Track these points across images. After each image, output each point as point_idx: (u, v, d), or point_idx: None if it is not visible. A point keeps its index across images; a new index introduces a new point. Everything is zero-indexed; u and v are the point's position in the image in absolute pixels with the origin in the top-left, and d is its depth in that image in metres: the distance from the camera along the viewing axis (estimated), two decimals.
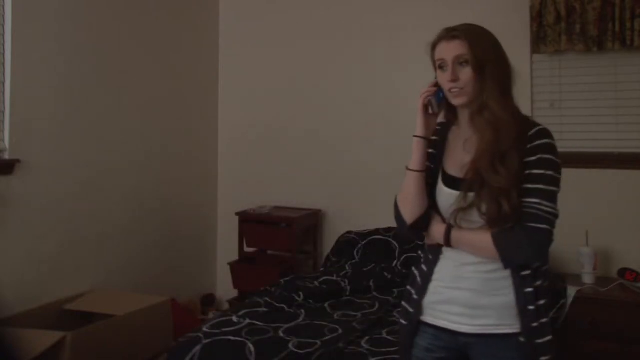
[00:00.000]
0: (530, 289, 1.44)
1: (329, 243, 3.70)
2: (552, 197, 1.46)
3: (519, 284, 1.45)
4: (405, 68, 3.66)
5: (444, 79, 1.53)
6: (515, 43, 3.35)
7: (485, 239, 1.43)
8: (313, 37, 3.89)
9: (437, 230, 1.54)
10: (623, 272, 3.01)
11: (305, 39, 3.91)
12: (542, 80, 3.34)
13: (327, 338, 2.20)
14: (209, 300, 3.94)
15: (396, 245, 3.31)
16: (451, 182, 1.53)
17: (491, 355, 1.48)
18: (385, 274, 3.09)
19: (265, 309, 2.55)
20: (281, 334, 2.26)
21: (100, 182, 3.21)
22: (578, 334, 2.85)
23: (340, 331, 2.28)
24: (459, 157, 1.54)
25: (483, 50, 1.48)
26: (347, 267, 3.24)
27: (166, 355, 2.42)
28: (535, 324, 1.43)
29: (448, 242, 1.51)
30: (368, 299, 2.74)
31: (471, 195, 1.45)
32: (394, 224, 3.71)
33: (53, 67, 2.97)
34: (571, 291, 2.92)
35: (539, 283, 1.46)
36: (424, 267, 1.60)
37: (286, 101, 3.96)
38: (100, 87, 3.22)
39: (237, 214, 3.72)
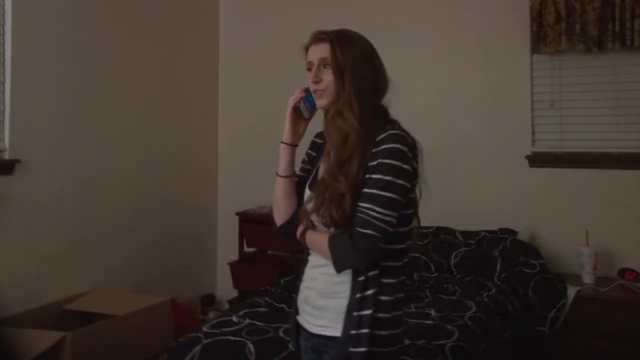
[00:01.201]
0: (359, 295, 1.42)
1: None
2: (386, 203, 1.38)
3: (352, 289, 1.43)
4: (405, 68, 3.66)
5: (309, 80, 1.55)
6: (515, 43, 3.37)
7: (324, 241, 1.44)
8: None
9: (298, 231, 1.57)
10: (623, 272, 3.01)
11: (305, 39, 3.91)
12: (542, 80, 3.34)
13: None
14: (209, 300, 3.94)
15: None
16: (313, 185, 1.56)
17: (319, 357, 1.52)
18: None
19: (265, 309, 2.54)
20: (281, 334, 2.26)
21: (100, 182, 3.21)
22: (578, 334, 2.85)
23: None
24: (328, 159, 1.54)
25: (345, 55, 1.49)
26: None
27: (166, 355, 2.42)
28: (353, 332, 1.40)
29: (304, 243, 1.55)
30: None
31: (311, 196, 1.50)
32: None
33: (53, 67, 2.97)
34: (571, 291, 2.92)
35: (369, 292, 1.42)
36: (303, 268, 1.63)
37: (286, 101, 3.95)
38: (100, 87, 3.22)
39: (237, 214, 3.72)
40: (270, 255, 3.75)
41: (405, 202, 1.44)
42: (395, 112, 4.00)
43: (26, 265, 2.79)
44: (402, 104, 4.10)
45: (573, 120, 3.28)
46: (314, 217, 1.49)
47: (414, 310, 2.55)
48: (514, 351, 2.61)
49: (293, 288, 2.79)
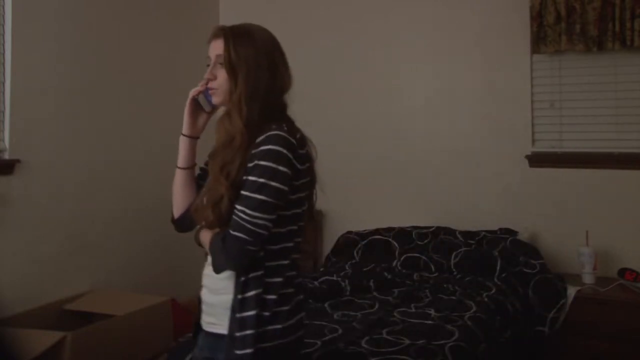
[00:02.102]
0: (240, 296, 1.40)
1: (329, 243, 3.70)
2: (258, 206, 1.36)
3: (234, 289, 1.42)
4: (405, 68, 3.66)
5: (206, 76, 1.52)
6: (515, 43, 3.37)
7: (206, 240, 1.47)
8: (312, 37, 3.89)
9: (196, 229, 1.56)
10: (623, 272, 3.01)
11: (305, 39, 3.91)
12: (542, 80, 3.34)
13: (327, 338, 2.20)
14: None
15: (396, 245, 3.31)
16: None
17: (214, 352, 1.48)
18: (385, 274, 3.09)
19: None
20: None
21: (100, 182, 3.21)
22: (578, 334, 2.85)
23: (340, 331, 2.27)
24: None
25: (239, 54, 1.45)
26: (347, 267, 3.24)
27: (166, 355, 2.42)
28: (237, 334, 1.39)
29: (198, 240, 1.53)
30: (368, 299, 2.74)
31: (200, 194, 1.50)
32: (393, 224, 3.73)
33: (53, 67, 2.97)
34: (571, 291, 2.92)
35: (251, 293, 1.40)
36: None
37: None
38: (100, 87, 3.22)
39: None
40: None
41: (283, 204, 1.41)
42: (395, 112, 4.00)
43: (26, 265, 2.79)
44: (402, 104, 4.11)
45: (573, 120, 3.28)
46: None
47: (414, 310, 2.55)
48: (514, 351, 2.61)
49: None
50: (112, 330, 2.64)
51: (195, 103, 1.58)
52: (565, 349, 2.88)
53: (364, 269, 3.17)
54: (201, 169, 1.66)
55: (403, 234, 3.35)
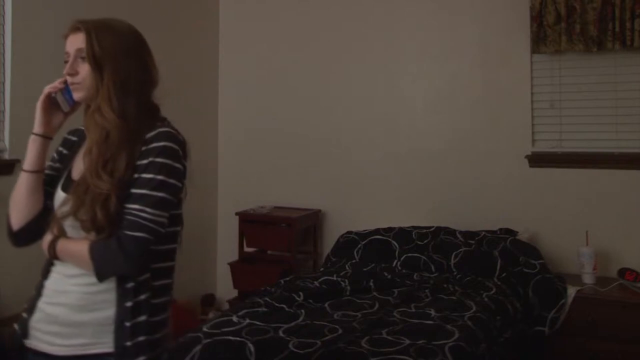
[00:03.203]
0: (130, 303, 1.33)
1: (329, 243, 3.70)
2: (157, 204, 1.32)
3: (119, 297, 1.33)
4: (405, 68, 3.66)
5: (65, 72, 1.44)
6: (515, 43, 3.37)
7: (83, 249, 1.31)
8: (313, 37, 3.89)
9: (45, 240, 1.39)
10: (623, 272, 3.01)
11: (306, 39, 3.91)
12: (542, 80, 3.34)
13: (327, 338, 2.20)
14: (209, 300, 3.94)
15: (396, 245, 3.31)
16: (67, 186, 1.41)
17: None
18: (385, 274, 3.09)
19: (265, 309, 2.54)
20: (281, 334, 2.26)
21: None
22: (578, 334, 2.85)
23: (340, 331, 2.27)
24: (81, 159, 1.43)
25: (103, 47, 1.40)
26: (347, 267, 3.24)
27: (166, 355, 2.42)
28: (128, 343, 1.31)
29: (54, 253, 1.37)
30: (368, 299, 2.74)
31: (66, 199, 1.36)
32: (394, 224, 3.73)
33: (53, 67, 2.96)
34: (571, 291, 2.92)
35: (142, 297, 1.35)
36: (40, 281, 1.45)
37: (286, 102, 3.96)
38: None
39: (237, 214, 3.72)
40: (270, 255, 3.75)
41: (176, 202, 1.40)
42: (395, 112, 4.00)
43: (26, 265, 2.79)
44: (402, 103, 4.11)
45: (573, 120, 3.28)
46: (68, 222, 1.35)
47: (414, 310, 2.55)
48: (514, 351, 2.61)
49: (293, 288, 2.82)
50: None
51: (51, 100, 1.48)
52: (565, 349, 2.88)
53: (364, 269, 3.17)
54: (47, 174, 1.49)
55: (403, 234, 3.35)
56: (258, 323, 2.37)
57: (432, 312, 2.49)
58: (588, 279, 3.02)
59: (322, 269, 3.37)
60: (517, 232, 3.24)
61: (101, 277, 1.32)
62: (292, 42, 3.96)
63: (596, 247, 3.04)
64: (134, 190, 1.32)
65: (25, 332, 1.41)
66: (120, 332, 1.32)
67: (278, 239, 3.60)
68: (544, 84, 3.34)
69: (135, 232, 1.30)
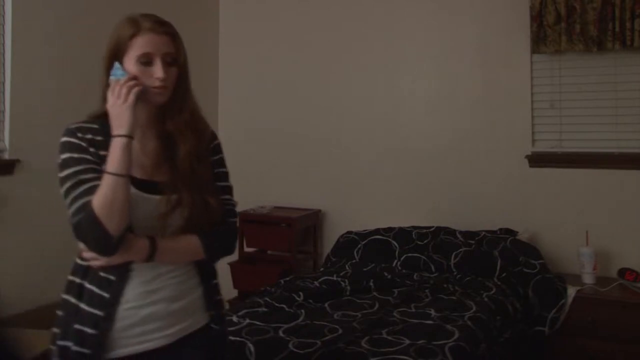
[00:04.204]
0: (215, 281, 1.56)
1: (329, 243, 3.70)
2: (232, 193, 1.59)
3: (204, 278, 1.53)
4: (406, 68, 3.66)
5: (149, 74, 1.41)
6: (515, 43, 3.37)
7: (193, 242, 1.44)
8: (314, 37, 3.89)
9: (138, 245, 1.37)
10: (623, 272, 3.01)
11: (306, 39, 3.91)
12: (542, 80, 3.34)
13: (327, 338, 2.20)
14: None
15: (396, 245, 3.31)
16: (147, 187, 1.41)
17: (191, 357, 1.50)
18: (385, 274, 3.09)
19: (265, 309, 2.54)
20: (281, 334, 2.26)
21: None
22: (578, 334, 2.85)
23: (340, 331, 2.27)
24: (139, 159, 1.43)
25: (185, 52, 1.51)
26: (347, 267, 3.24)
27: None
28: (223, 311, 1.61)
29: (152, 255, 1.38)
30: (368, 299, 2.74)
31: (173, 198, 1.40)
32: (394, 224, 3.74)
33: (53, 67, 2.97)
34: (571, 291, 2.92)
35: (216, 275, 1.58)
36: (101, 293, 1.39)
37: (286, 101, 3.96)
38: (100, 87, 3.21)
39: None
40: (270, 255, 3.76)
41: None
42: (395, 112, 4.01)
43: (27, 265, 2.79)
44: (402, 104, 4.10)
45: (573, 120, 3.28)
46: (170, 222, 1.41)
47: (414, 310, 2.55)
48: (514, 351, 2.62)
49: (293, 288, 2.82)
50: None
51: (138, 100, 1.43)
52: (565, 349, 2.88)
53: (364, 269, 3.17)
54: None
55: (403, 234, 3.35)
56: (258, 323, 2.37)
57: (432, 312, 2.49)
58: (588, 279, 3.02)
59: (322, 269, 3.38)
60: (517, 232, 3.24)
61: (214, 261, 1.54)
62: (292, 42, 3.96)
63: (596, 247, 3.04)
64: (220, 183, 1.53)
65: (103, 346, 1.38)
66: (215, 305, 1.55)
67: (278, 239, 3.60)
68: (544, 84, 3.34)
69: (234, 219, 1.54)
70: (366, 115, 3.73)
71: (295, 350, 2.11)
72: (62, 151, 1.43)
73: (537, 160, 3.31)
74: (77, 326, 1.40)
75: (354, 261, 3.32)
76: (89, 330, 1.38)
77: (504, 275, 3.00)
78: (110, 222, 1.30)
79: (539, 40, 3.19)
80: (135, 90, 1.40)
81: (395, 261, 3.25)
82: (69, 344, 1.40)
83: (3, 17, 2.77)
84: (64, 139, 1.45)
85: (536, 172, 3.33)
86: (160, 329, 1.43)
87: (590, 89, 3.23)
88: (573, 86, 3.27)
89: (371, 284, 2.94)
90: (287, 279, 3.06)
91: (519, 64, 3.37)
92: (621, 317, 2.80)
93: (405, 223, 3.45)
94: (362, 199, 3.74)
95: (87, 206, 1.32)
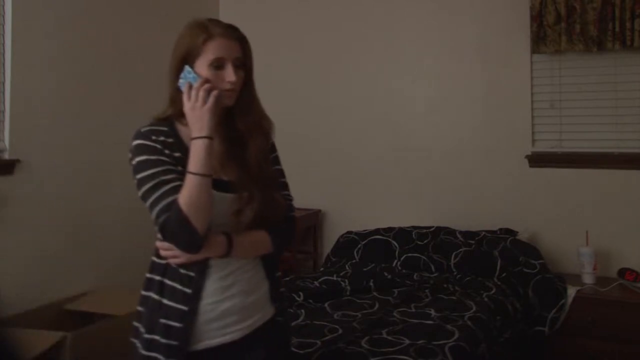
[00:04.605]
0: (278, 274, 1.62)
1: (329, 243, 3.70)
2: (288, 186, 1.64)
3: (268, 271, 1.58)
4: (406, 68, 3.66)
5: (220, 77, 1.46)
6: (515, 43, 3.37)
7: (263, 236, 1.51)
8: (314, 37, 3.89)
9: (217, 242, 1.43)
10: (623, 272, 3.01)
11: (306, 39, 3.91)
12: (542, 80, 3.34)
13: (327, 338, 2.20)
14: None
15: (396, 245, 3.31)
16: (219, 186, 1.46)
17: (260, 349, 1.55)
18: (385, 274, 3.09)
19: None
20: None
21: (100, 182, 3.21)
22: (578, 334, 2.85)
23: (340, 331, 2.27)
24: None
25: (251, 56, 1.57)
26: (347, 267, 3.24)
27: None
28: (286, 304, 1.68)
29: (229, 251, 1.45)
30: (368, 299, 2.74)
31: (245, 195, 1.47)
32: (394, 224, 3.74)
33: (53, 67, 2.97)
34: (571, 291, 2.92)
35: (279, 269, 1.65)
36: (183, 289, 1.46)
37: (286, 101, 3.95)
38: (100, 87, 3.22)
39: None
40: None
41: None
42: (395, 112, 4.00)
43: (26, 265, 2.79)
44: (402, 104, 4.10)
45: (573, 120, 3.28)
46: (241, 219, 1.47)
47: (414, 310, 2.55)
48: (514, 351, 2.62)
49: (293, 288, 2.82)
50: (112, 330, 2.63)
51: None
52: (565, 349, 2.88)
53: (364, 269, 3.17)
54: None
55: (403, 234, 3.35)
56: None
57: (432, 312, 2.49)
58: (588, 279, 3.02)
59: (322, 269, 3.38)
60: (517, 232, 3.24)
61: (280, 254, 1.63)
62: (292, 42, 3.95)
63: (596, 247, 3.04)
64: (280, 180, 1.60)
65: (187, 340, 1.45)
66: (279, 298, 1.61)
67: None
68: (544, 84, 3.34)
69: (294, 213, 1.60)
70: (366, 115, 3.73)
71: (295, 350, 2.11)
72: (137, 154, 1.47)
73: (537, 160, 3.31)
74: (162, 320, 1.46)
75: (354, 261, 3.32)
76: (175, 324, 1.45)
77: (504, 275, 3.00)
78: (197, 221, 1.36)
79: (539, 40, 3.19)
80: (215, 92, 1.44)
81: (395, 261, 3.25)
82: (156, 337, 1.46)
83: (3, 17, 2.77)
84: (138, 141, 1.49)
85: (536, 172, 3.33)
86: (237, 322, 1.50)
87: (590, 89, 3.23)
88: (573, 86, 3.27)
89: (371, 284, 2.94)
90: (287, 279, 3.06)
91: (519, 64, 3.37)
92: (621, 317, 2.80)
93: (405, 223, 3.45)
94: (362, 199, 3.74)
95: (173, 205, 1.37)
